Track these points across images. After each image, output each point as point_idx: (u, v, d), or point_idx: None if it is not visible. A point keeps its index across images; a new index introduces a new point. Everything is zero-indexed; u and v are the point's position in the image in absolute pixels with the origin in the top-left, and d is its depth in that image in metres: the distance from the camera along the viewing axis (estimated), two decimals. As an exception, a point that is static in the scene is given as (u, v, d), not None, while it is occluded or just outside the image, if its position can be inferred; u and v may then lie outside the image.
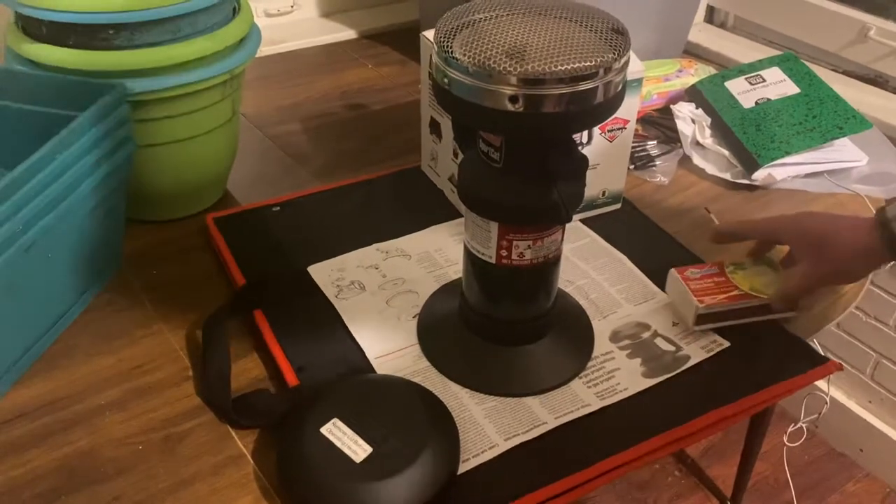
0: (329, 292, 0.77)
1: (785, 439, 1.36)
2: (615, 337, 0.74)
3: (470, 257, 0.67)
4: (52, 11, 0.73)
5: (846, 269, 0.70)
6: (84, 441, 0.64)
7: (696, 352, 0.72)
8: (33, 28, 0.77)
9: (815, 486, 1.42)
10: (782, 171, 0.96)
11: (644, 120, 1.06)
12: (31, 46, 0.76)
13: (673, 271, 0.75)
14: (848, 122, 0.99)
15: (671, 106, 1.05)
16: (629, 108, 0.83)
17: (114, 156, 0.73)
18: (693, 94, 1.06)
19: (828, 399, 1.26)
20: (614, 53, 0.54)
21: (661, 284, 0.78)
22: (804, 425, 1.39)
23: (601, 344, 0.73)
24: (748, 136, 0.98)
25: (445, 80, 0.56)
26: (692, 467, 1.44)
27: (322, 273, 0.80)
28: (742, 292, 0.73)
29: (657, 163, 1.00)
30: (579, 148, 0.63)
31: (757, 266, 0.76)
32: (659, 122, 1.06)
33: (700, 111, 1.03)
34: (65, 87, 0.74)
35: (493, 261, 0.65)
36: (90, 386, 0.69)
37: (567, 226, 0.66)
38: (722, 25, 1.44)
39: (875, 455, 1.43)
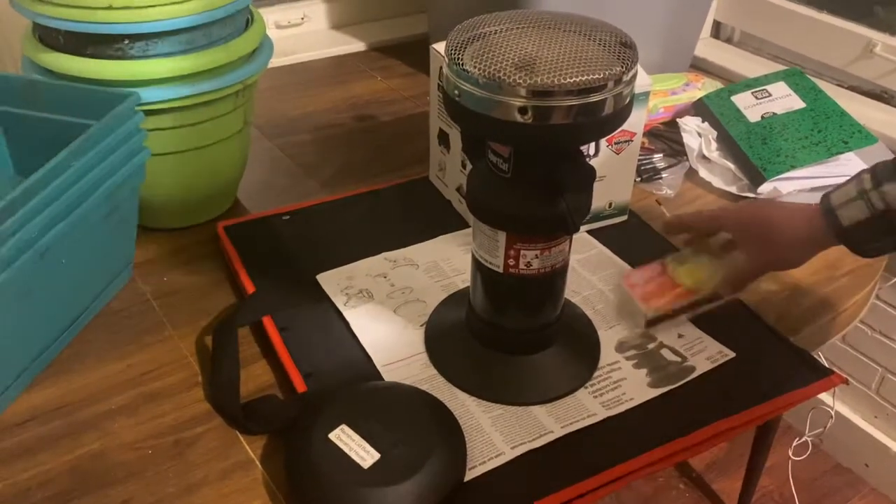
0: (338, 300, 0.78)
1: (790, 453, 1.36)
2: (621, 347, 0.74)
3: (477, 266, 0.68)
4: (70, 22, 0.74)
5: (789, 256, 0.72)
6: (94, 445, 0.65)
7: (702, 363, 0.72)
8: (50, 38, 0.78)
9: (819, 500, 1.41)
10: (788, 185, 0.97)
11: (650, 133, 1.07)
12: (47, 56, 0.78)
13: (619, 283, 0.77)
14: (853, 136, 1.00)
15: (677, 119, 1.06)
16: (636, 121, 0.84)
17: (127, 164, 0.74)
18: (699, 108, 1.07)
19: (833, 413, 1.26)
20: (622, 66, 0.55)
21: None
22: (809, 439, 1.38)
23: (607, 354, 0.73)
24: (754, 150, 0.99)
25: (456, 92, 0.57)
26: (697, 481, 1.44)
27: (331, 281, 0.81)
28: (686, 289, 0.74)
29: (663, 175, 1.01)
30: (587, 159, 0.64)
31: (696, 257, 0.77)
32: (665, 136, 1.07)
33: (706, 125, 1.04)
34: (80, 95, 0.75)
35: (500, 270, 0.65)
36: (101, 390, 0.70)
37: (574, 237, 0.67)
38: (728, 40, 1.45)
39: (881, 470, 1.43)
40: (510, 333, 0.70)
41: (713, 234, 0.78)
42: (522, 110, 0.54)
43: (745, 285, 0.75)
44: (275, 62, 1.29)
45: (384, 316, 0.77)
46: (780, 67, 1.18)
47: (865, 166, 1.00)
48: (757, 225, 0.72)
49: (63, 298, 0.73)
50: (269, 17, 1.37)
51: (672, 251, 0.86)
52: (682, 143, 1.04)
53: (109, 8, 0.73)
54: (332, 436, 0.61)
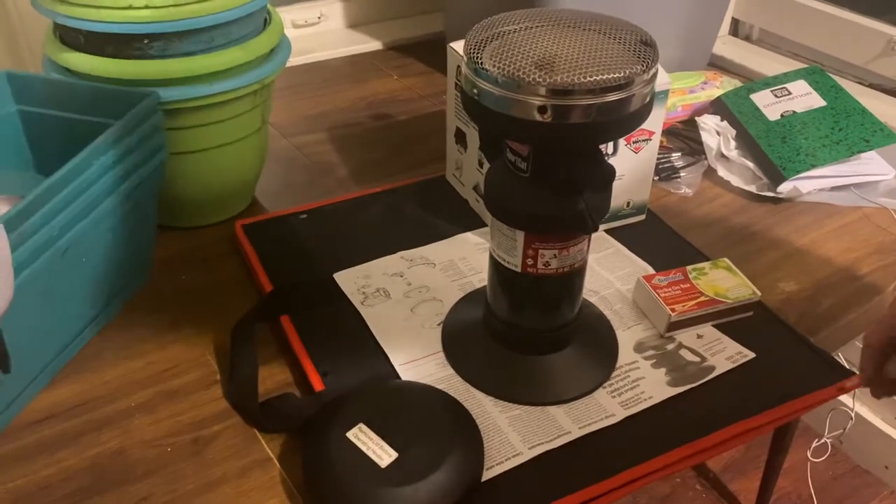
0: (355, 299, 0.78)
1: (809, 455, 1.35)
2: (639, 347, 0.74)
3: (495, 266, 0.68)
4: (90, 22, 0.74)
5: None
6: (114, 442, 0.66)
7: (721, 363, 0.72)
8: (71, 38, 0.79)
9: (838, 503, 1.40)
10: (808, 184, 0.96)
11: (669, 132, 1.06)
12: (68, 55, 0.78)
13: (641, 279, 0.77)
14: (875, 135, 0.99)
15: (696, 118, 1.05)
16: (655, 120, 0.83)
17: (147, 163, 0.74)
18: (718, 107, 1.06)
19: (853, 414, 1.25)
20: (642, 65, 0.55)
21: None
22: (828, 441, 1.37)
23: (625, 354, 0.73)
24: (774, 149, 0.98)
25: (474, 91, 0.56)
26: (714, 482, 1.42)
27: (348, 280, 0.81)
28: (708, 298, 0.75)
29: (682, 174, 1.00)
30: (606, 158, 0.64)
31: (716, 271, 0.78)
32: (684, 134, 1.06)
33: (725, 123, 1.03)
34: (100, 95, 0.76)
35: (518, 269, 0.65)
36: (120, 388, 0.70)
37: (592, 236, 0.66)
38: (747, 38, 1.44)
39: (901, 472, 1.41)
40: (528, 333, 0.70)
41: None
42: (542, 109, 0.54)
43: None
44: (292, 61, 1.29)
45: (401, 315, 0.77)
46: (800, 65, 1.17)
47: (887, 164, 1.00)
48: None
49: (83, 296, 0.73)
50: (286, 16, 1.37)
51: (691, 253, 0.86)
52: (700, 142, 1.03)
53: (129, 8, 0.74)
54: (350, 434, 0.61)
